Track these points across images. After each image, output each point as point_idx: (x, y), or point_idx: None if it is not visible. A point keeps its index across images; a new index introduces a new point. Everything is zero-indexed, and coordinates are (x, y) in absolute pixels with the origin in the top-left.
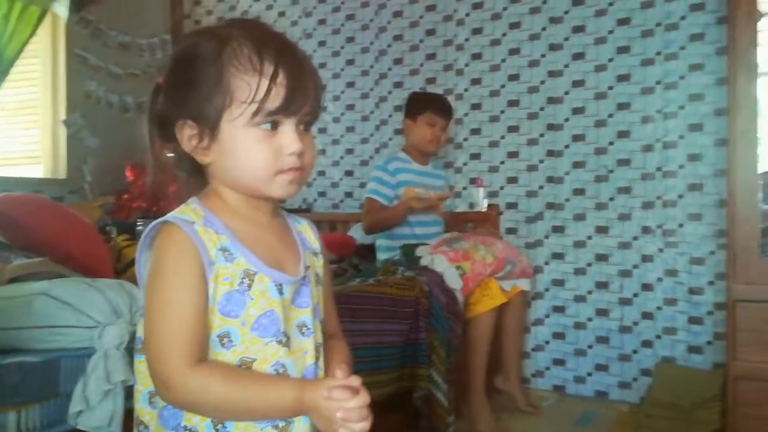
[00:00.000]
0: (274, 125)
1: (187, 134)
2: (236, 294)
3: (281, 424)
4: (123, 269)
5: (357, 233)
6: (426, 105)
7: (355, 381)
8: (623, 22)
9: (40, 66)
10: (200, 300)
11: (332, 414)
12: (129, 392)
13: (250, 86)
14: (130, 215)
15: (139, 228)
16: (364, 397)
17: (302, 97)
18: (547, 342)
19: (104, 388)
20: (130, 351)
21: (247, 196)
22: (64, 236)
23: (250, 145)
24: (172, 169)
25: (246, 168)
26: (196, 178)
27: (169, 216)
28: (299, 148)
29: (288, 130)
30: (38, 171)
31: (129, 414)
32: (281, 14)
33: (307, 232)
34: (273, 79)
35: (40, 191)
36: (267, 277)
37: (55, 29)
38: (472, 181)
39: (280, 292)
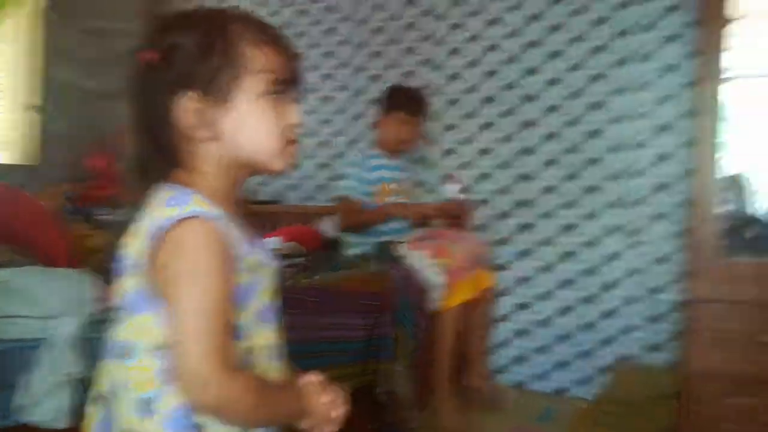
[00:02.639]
0: (280, 97)
1: (191, 107)
2: (250, 286)
3: None
4: (84, 258)
5: (328, 226)
6: (397, 103)
7: (324, 380)
8: (599, 22)
9: (10, 50)
10: (232, 300)
11: (327, 415)
12: (80, 384)
13: (267, 56)
14: (96, 203)
15: (104, 216)
16: (343, 393)
17: (301, 70)
18: (510, 339)
19: (55, 380)
20: (83, 343)
21: (232, 178)
22: (22, 223)
23: (264, 115)
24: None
25: (260, 139)
26: (147, 171)
27: (198, 211)
28: (301, 119)
29: (289, 100)
30: (5, 157)
31: (78, 408)
32: (261, 4)
33: None
34: (284, 50)
35: (5, 176)
36: (268, 267)
37: (27, 13)
38: (446, 176)
39: (274, 280)
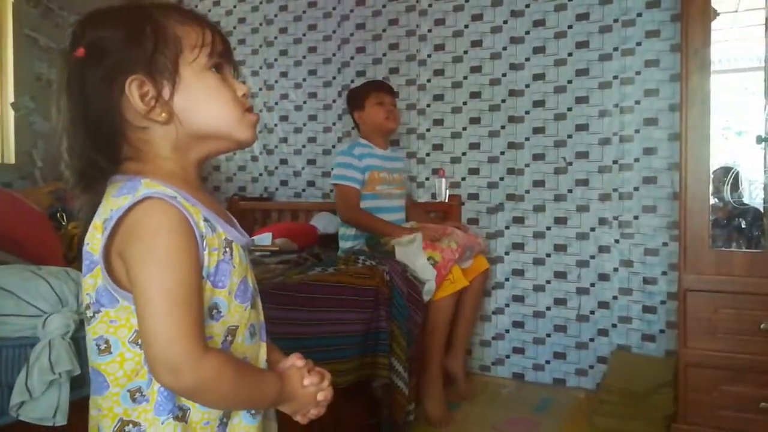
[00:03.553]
0: (219, 70)
1: (140, 92)
2: (223, 264)
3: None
4: (75, 258)
5: (319, 222)
6: (367, 89)
7: (308, 362)
8: (582, 17)
9: None
10: (200, 282)
11: (310, 399)
12: (75, 382)
13: (197, 32)
14: None
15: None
16: (329, 375)
17: (230, 45)
18: (507, 331)
19: (48, 378)
20: (75, 341)
21: (191, 159)
22: (10, 222)
23: (215, 85)
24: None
25: (218, 108)
26: (94, 172)
27: (154, 192)
28: (248, 88)
29: (229, 75)
30: None
31: (74, 405)
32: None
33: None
34: (210, 26)
35: None
36: (238, 243)
37: (3, 8)
38: (435, 171)
39: (246, 256)
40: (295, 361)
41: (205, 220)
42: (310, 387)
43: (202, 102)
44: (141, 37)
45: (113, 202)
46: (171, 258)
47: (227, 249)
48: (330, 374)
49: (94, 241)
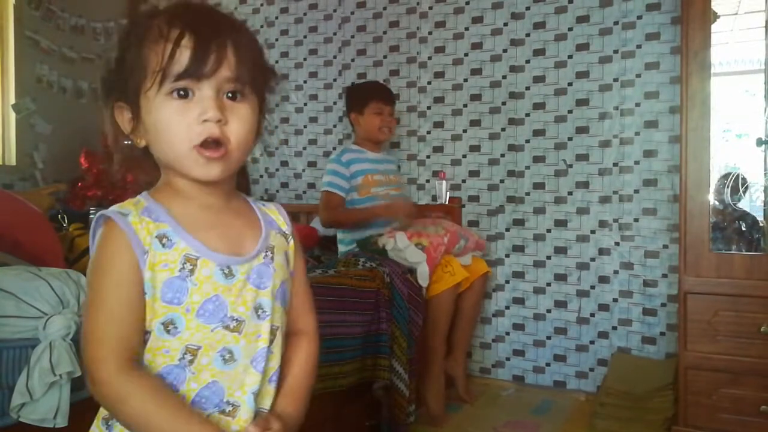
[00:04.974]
0: (188, 94)
1: (121, 117)
2: (177, 280)
3: (228, 408)
4: (75, 259)
5: (319, 225)
6: (370, 95)
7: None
8: (582, 19)
9: None
10: (133, 297)
11: None
12: (75, 384)
13: (157, 54)
14: (84, 204)
15: (92, 217)
16: None
17: (214, 59)
18: (508, 333)
19: (49, 379)
20: (76, 342)
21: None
22: (11, 223)
23: (165, 116)
24: (131, 158)
25: (165, 142)
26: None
27: (107, 210)
28: (214, 114)
29: (203, 96)
30: None
31: (75, 406)
32: (243, 1)
33: (274, 214)
34: (177, 42)
35: None
36: (211, 261)
37: (4, 10)
38: (435, 174)
39: (229, 275)
40: (250, 428)
41: (161, 236)
42: None
43: (154, 134)
44: (124, 59)
45: None
46: (100, 276)
47: (186, 265)
48: None
49: None
